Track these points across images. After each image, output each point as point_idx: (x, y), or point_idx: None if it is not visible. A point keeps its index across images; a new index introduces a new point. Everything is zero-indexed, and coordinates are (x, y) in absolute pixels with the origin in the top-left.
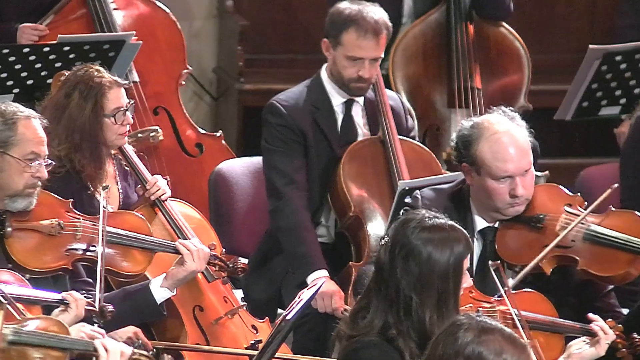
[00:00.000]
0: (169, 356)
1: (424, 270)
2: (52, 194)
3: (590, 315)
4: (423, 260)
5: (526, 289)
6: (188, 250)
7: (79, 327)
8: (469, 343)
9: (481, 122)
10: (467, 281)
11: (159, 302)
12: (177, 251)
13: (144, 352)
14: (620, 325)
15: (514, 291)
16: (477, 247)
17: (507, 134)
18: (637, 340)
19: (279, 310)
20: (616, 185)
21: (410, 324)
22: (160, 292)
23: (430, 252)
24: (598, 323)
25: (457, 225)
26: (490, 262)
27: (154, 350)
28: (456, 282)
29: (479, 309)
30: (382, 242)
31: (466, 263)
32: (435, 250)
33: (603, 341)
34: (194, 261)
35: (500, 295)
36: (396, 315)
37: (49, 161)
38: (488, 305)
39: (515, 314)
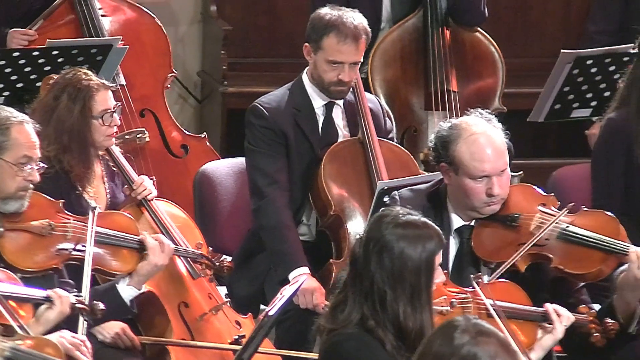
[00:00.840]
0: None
1: (396, 265)
2: (44, 195)
3: (547, 306)
4: (396, 255)
5: (500, 279)
6: (153, 244)
7: (59, 334)
8: (465, 344)
9: (459, 124)
10: (439, 276)
11: (126, 301)
12: (143, 247)
13: None
14: (593, 311)
15: (487, 282)
16: (453, 245)
17: (484, 135)
18: (609, 324)
19: (262, 307)
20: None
21: (385, 316)
22: (127, 290)
23: (403, 247)
24: (554, 307)
25: (430, 222)
26: (472, 275)
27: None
28: (428, 277)
29: (452, 300)
30: (357, 236)
31: (438, 259)
32: (408, 246)
33: (559, 324)
34: (156, 255)
35: (474, 287)
36: (372, 308)
37: (41, 164)
38: (462, 296)
39: (490, 304)
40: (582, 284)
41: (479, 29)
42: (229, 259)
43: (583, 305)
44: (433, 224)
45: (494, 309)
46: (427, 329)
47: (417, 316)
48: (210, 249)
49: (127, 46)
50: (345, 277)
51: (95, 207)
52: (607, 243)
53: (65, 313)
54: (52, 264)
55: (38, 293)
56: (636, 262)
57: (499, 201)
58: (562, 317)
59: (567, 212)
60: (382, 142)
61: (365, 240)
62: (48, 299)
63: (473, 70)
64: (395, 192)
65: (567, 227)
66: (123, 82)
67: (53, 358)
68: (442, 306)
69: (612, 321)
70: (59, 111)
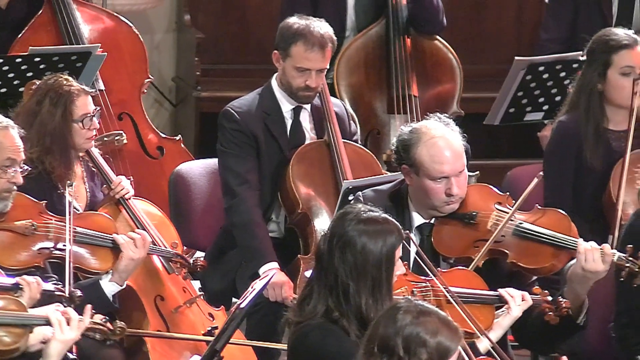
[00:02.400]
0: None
1: (358, 260)
2: (27, 196)
3: (499, 290)
4: (358, 250)
5: (458, 267)
6: (124, 241)
7: (54, 307)
8: (408, 324)
9: (419, 128)
10: (400, 269)
11: (109, 296)
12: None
13: (99, 321)
14: (546, 292)
15: (444, 270)
16: (415, 241)
17: (442, 139)
18: (562, 302)
19: (234, 300)
20: (541, 173)
21: (349, 308)
22: (109, 286)
23: (365, 242)
24: (507, 290)
25: (390, 218)
26: (406, 231)
27: (107, 318)
28: (389, 270)
29: (413, 289)
30: (322, 233)
31: (398, 252)
32: (369, 241)
33: (513, 304)
34: (132, 251)
35: (432, 275)
36: (336, 301)
37: (25, 167)
38: (422, 285)
39: (446, 291)
40: (535, 278)
41: (438, 37)
42: (202, 257)
43: (536, 287)
44: (393, 220)
45: (450, 295)
46: None
47: (378, 307)
48: (185, 247)
49: (106, 53)
50: (311, 271)
51: (72, 201)
52: (558, 239)
53: (35, 299)
54: (35, 262)
55: (7, 280)
56: (584, 255)
57: (458, 200)
58: (515, 297)
59: (523, 211)
60: (347, 144)
61: (329, 236)
62: (17, 286)
63: (432, 76)
64: (359, 192)
65: (522, 224)
66: (102, 87)
67: (17, 312)
68: (404, 295)
69: (565, 299)
70: (42, 115)
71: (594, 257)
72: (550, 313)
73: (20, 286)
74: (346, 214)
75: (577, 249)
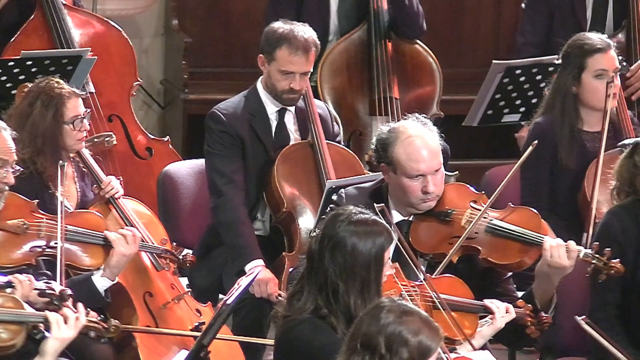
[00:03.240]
0: (116, 321)
1: (348, 260)
2: (19, 196)
3: (485, 301)
4: (348, 251)
5: (446, 274)
6: (115, 237)
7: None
8: (391, 323)
9: (397, 127)
10: (389, 270)
11: (101, 291)
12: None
13: (94, 319)
14: (529, 305)
15: (434, 276)
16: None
17: (419, 138)
18: (543, 318)
19: (220, 296)
20: (536, 141)
21: (338, 306)
22: (101, 281)
23: (354, 243)
24: (493, 302)
25: (380, 220)
26: (375, 204)
27: (102, 316)
28: (378, 271)
29: (402, 292)
30: (313, 234)
31: (387, 254)
32: (359, 242)
33: (498, 315)
34: (122, 247)
35: (422, 280)
36: (325, 299)
37: (17, 167)
38: (411, 289)
39: (435, 297)
40: (509, 274)
41: (418, 41)
42: (192, 253)
43: (521, 300)
44: (383, 222)
45: (438, 301)
46: None
47: (366, 307)
48: (174, 243)
49: (96, 57)
50: (303, 270)
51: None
52: (526, 235)
53: (27, 296)
54: (27, 260)
55: (1, 279)
56: (549, 251)
57: (434, 198)
58: (500, 309)
59: (496, 209)
60: (330, 144)
61: (320, 237)
62: (10, 285)
63: (413, 79)
64: (342, 190)
65: (493, 221)
66: (92, 89)
67: (15, 310)
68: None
69: (546, 315)
70: (33, 117)
71: (559, 253)
72: (532, 327)
73: (13, 284)
74: (338, 216)
75: (542, 245)
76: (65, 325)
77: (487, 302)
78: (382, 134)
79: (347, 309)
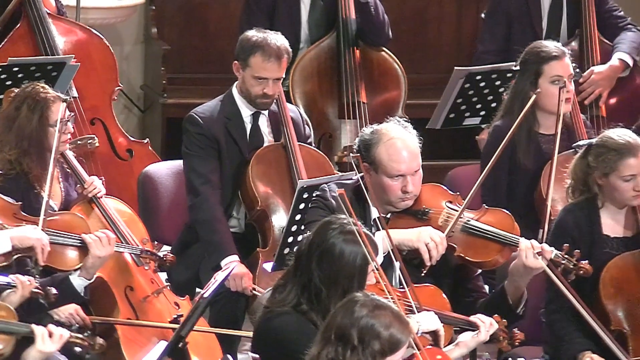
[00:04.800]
0: (101, 340)
1: (333, 269)
2: (3, 197)
3: (471, 317)
4: (334, 259)
5: (427, 284)
6: (91, 240)
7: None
8: (364, 316)
9: (380, 130)
10: (371, 280)
11: (78, 290)
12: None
13: (79, 335)
14: (504, 321)
15: (416, 285)
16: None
17: (400, 140)
18: (516, 334)
19: (197, 290)
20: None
21: (319, 307)
22: (78, 281)
23: (342, 253)
24: (479, 317)
25: (369, 234)
26: (351, 154)
27: (89, 332)
28: (360, 282)
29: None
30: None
31: (371, 267)
32: (346, 253)
33: (483, 329)
34: (98, 249)
35: (403, 288)
36: (307, 299)
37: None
38: (391, 297)
39: (416, 306)
40: (479, 271)
41: (384, 48)
42: (170, 250)
43: (496, 315)
44: (371, 236)
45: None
46: None
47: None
48: (155, 242)
49: (79, 63)
50: (290, 265)
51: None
52: (502, 236)
53: (26, 296)
54: (4, 262)
55: (3, 279)
56: (525, 252)
57: (412, 197)
58: (486, 324)
59: (471, 210)
60: (301, 146)
61: (311, 240)
62: (12, 285)
63: (380, 84)
64: (325, 185)
65: (470, 221)
66: (75, 94)
67: (6, 320)
68: None
69: (519, 332)
70: (20, 120)
71: (534, 254)
72: (504, 341)
73: (14, 284)
74: (331, 223)
75: (519, 246)
76: (50, 340)
77: (473, 318)
78: (365, 135)
79: (327, 312)
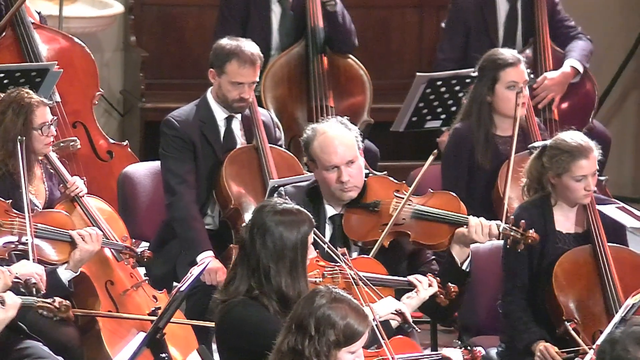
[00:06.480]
0: (66, 301)
1: (277, 245)
2: None
3: (409, 277)
4: (276, 237)
5: (362, 255)
6: (80, 235)
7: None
8: (321, 307)
9: (316, 127)
10: (312, 253)
11: (65, 282)
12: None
13: (46, 300)
14: (438, 278)
15: (351, 258)
16: (328, 230)
17: (332, 133)
18: (451, 288)
19: (175, 283)
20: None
21: (269, 287)
22: (65, 273)
23: (282, 231)
24: (416, 276)
25: (302, 209)
26: (338, 248)
27: (53, 298)
28: (303, 253)
29: (324, 272)
30: (244, 224)
31: (310, 238)
32: (285, 229)
33: (421, 287)
34: (86, 244)
35: (339, 261)
36: (258, 281)
37: None
38: (331, 269)
39: (352, 274)
40: (432, 257)
41: (350, 56)
42: (148, 249)
43: (429, 274)
44: (305, 210)
45: (352, 277)
46: (303, 294)
47: (295, 285)
48: (134, 240)
49: (62, 70)
50: (235, 258)
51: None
52: (451, 217)
53: (8, 285)
54: (0, 255)
55: None
56: (474, 228)
57: (353, 188)
58: (423, 282)
59: (418, 196)
60: (272, 148)
61: (250, 226)
62: None
63: (346, 89)
64: (281, 188)
65: (418, 206)
66: (58, 99)
67: None
68: (316, 277)
69: (453, 285)
70: (5, 123)
71: (482, 230)
72: (441, 296)
73: None
74: (264, 207)
75: (468, 223)
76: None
77: (411, 277)
78: (305, 133)
79: (279, 288)
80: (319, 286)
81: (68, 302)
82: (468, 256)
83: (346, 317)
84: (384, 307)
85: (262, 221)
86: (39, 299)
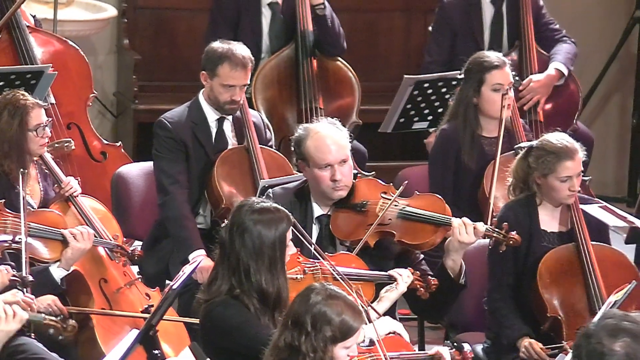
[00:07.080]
0: (73, 321)
1: (256, 243)
2: None
3: (390, 271)
4: (255, 235)
5: (342, 252)
6: (72, 234)
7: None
8: (317, 303)
9: (308, 127)
10: (291, 250)
11: (57, 280)
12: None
13: (53, 318)
14: (417, 272)
15: (330, 255)
16: (315, 230)
17: (325, 133)
18: (431, 280)
19: (167, 282)
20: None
21: (249, 285)
22: (57, 271)
23: (260, 229)
24: (395, 270)
25: (280, 207)
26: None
27: (62, 316)
28: (282, 250)
29: (305, 269)
30: (223, 224)
31: (289, 235)
32: (264, 227)
33: (401, 280)
34: (78, 243)
35: (319, 258)
36: (238, 280)
37: None
38: (311, 266)
39: (332, 269)
40: (422, 257)
41: (339, 58)
42: (139, 247)
43: (409, 267)
44: (283, 208)
45: (336, 273)
46: (283, 291)
47: (275, 282)
48: (125, 239)
49: (56, 72)
50: (216, 258)
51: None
52: (435, 217)
53: (5, 284)
54: None
55: None
56: (457, 229)
57: (343, 187)
58: (402, 276)
59: (405, 197)
60: (263, 149)
61: (229, 226)
62: None
63: (335, 91)
64: (269, 190)
65: (404, 207)
66: (53, 101)
67: None
68: (297, 274)
69: (433, 278)
70: (1, 125)
71: (466, 230)
72: (422, 289)
73: None
74: (242, 207)
75: (451, 224)
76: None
77: (390, 271)
78: (297, 133)
79: (259, 286)
80: (314, 283)
81: (75, 323)
82: (462, 269)
83: (342, 314)
84: (381, 327)
85: (240, 220)
86: (47, 317)
